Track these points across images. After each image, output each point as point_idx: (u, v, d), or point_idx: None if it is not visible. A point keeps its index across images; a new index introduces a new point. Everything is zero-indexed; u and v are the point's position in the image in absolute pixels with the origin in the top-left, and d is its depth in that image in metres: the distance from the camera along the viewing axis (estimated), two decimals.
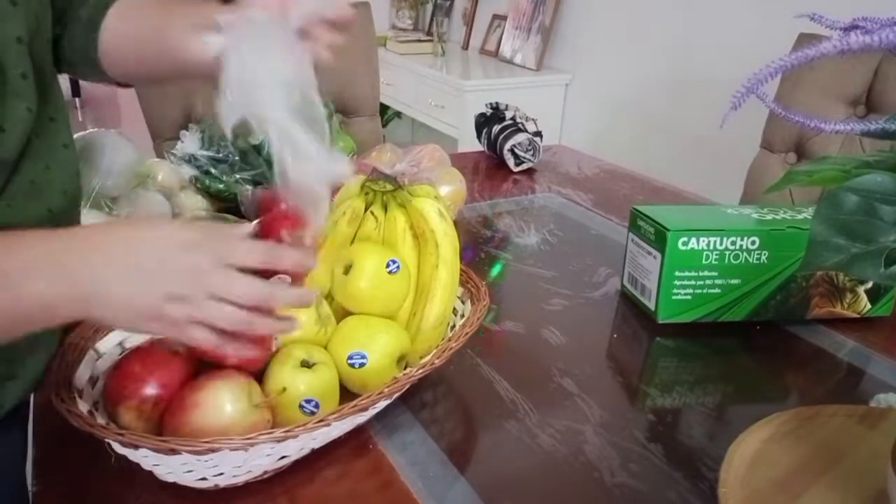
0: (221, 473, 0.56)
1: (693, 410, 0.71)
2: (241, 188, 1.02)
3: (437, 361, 0.63)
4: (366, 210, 0.74)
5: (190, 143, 1.07)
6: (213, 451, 0.52)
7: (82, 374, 0.61)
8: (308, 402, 0.60)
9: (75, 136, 0.91)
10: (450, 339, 0.66)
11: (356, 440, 0.64)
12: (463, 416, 0.69)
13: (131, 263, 0.49)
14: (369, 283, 0.67)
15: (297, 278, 0.56)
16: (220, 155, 1.07)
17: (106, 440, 0.53)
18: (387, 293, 0.69)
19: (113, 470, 0.59)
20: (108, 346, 0.66)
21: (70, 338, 0.63)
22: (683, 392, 0.74)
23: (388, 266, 0.68)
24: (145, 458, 0.54)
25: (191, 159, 1.06)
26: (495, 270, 1.00)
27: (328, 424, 0.55)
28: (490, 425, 0.68)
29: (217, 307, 0.50)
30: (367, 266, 0.67)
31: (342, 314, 0.70)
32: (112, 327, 0.62)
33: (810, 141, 1.33)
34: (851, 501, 0.53)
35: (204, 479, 0.56)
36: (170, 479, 0.57)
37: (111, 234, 0.52)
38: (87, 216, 0.88)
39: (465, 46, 3.18)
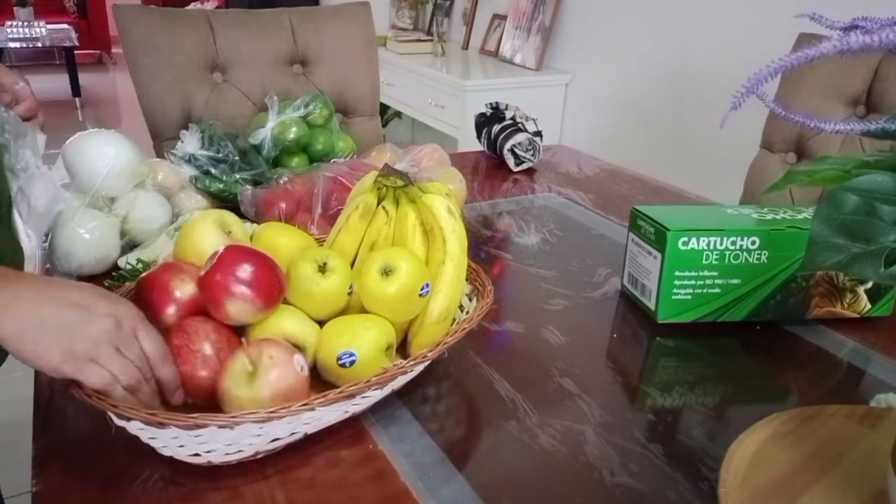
0: (213, 450, 0.57)
1: (693, 410, 0.71)
2: (241, 188, 1.02)
3: (429, 354, 0.64)
4: (378, 205, 0.74)
5: (190, 143, 1.07)
6: (198, 426, 0.53)
7: None
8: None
9: (76, 135, 0.91)
10: (447, 334, 0.66)
11: (351, 429, 0.65)
12: (462, 416, 0.69)
13: (60, 297, 0.56)
14: (398, 295, 0.68)
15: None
16: (220, 155, 1.07)
17: (108, 413, 0.55)
18: (405, 309, 0.70)
19: (113, 468, 0.60)
20: None
21: None
22: (683, 392, 0.74)
23: (422, 289, 0.69)
24: (141, 430, 0.56)
25: (191, 159, 1.06)
26: (495, 270, 1.00)
27: (312, 409, 0.56)
28: (490, 425, 0.68)
29: (118, 359, 0.56)
30: (404, 281, 0.68)
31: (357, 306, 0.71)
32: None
33: (810, 141, 1.33)
34: (851, 501, 0.53)
35: (197, 454, 0.57)
36: (165, 452, 0.58)
37: (44, 279, 0.59)
38: (86, 216, 0.88)
39: (465, 46, 3.18)
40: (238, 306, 0.63)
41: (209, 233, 0.72)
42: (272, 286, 0.65)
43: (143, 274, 0.68)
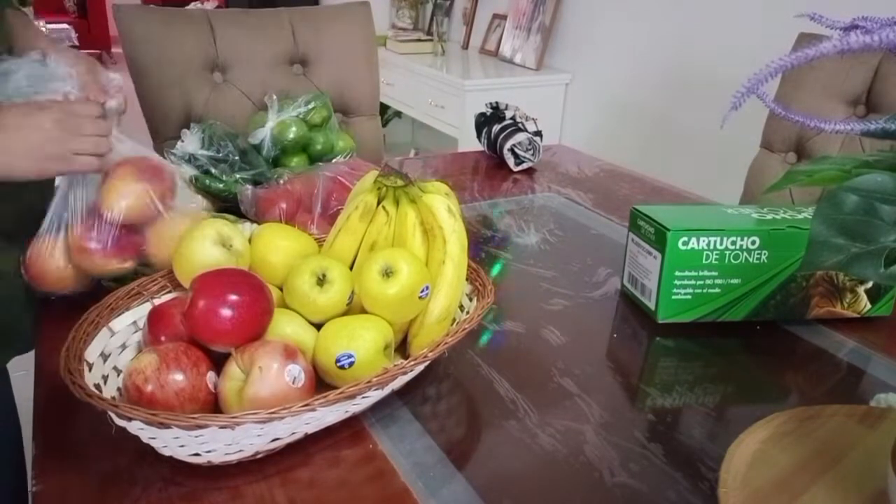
0: (213, 450, 0.57)
1: (693, 410, 0.71)
2: (241, 188, 1.02)
3: (430, 354, 0.64)
4: (378, 204, 0.74)
5: (190, 142, 1.07)
6: (199, 426, 0.53)
7: (94, 348, 0.64)
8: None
9: None
10: (447, 334, 0.66)
11: (351, 429, 0.65)
12: (462, 415, 0.69)
13: (28, 121, 0.71)
14: (398, 296, 0.67)
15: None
16: (220, 155, 1.07)
17: (108, 413, 0.55)
18: (404, 310, 0.70)
19: (113, 468, 0.60)
20: (122, 325, 0.69)
21: (86, 314, 0.65)
22: (683, 392, 0.74)
23: (421, 291, 0.69)
24: (141, 430, 0.55)
25: (191, 159, 1.06)
26: (495, 270, 1.00)
27: (313, 409, 0.56)
28: (490, 425, 0.68)
29: (87, 139, 0.72)
30: (404, 282, 0.67)
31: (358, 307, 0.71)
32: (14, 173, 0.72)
33: (810, 141, 1.33)
34: (851, 501, 0.53)
35: (197, 454, 0.57)
36: (165, 452, 0.58)
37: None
38: None
39: (465, 46, 3.18)
40: (226, 347, 0.62)
41: (208, 251, 0.71)
42: (257, 317, 0.63)
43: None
